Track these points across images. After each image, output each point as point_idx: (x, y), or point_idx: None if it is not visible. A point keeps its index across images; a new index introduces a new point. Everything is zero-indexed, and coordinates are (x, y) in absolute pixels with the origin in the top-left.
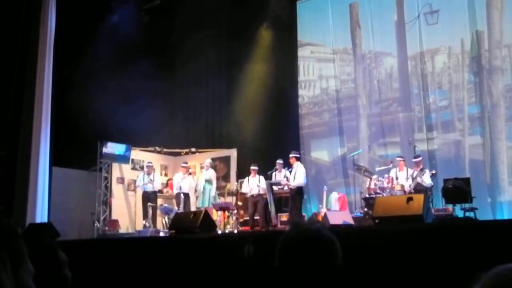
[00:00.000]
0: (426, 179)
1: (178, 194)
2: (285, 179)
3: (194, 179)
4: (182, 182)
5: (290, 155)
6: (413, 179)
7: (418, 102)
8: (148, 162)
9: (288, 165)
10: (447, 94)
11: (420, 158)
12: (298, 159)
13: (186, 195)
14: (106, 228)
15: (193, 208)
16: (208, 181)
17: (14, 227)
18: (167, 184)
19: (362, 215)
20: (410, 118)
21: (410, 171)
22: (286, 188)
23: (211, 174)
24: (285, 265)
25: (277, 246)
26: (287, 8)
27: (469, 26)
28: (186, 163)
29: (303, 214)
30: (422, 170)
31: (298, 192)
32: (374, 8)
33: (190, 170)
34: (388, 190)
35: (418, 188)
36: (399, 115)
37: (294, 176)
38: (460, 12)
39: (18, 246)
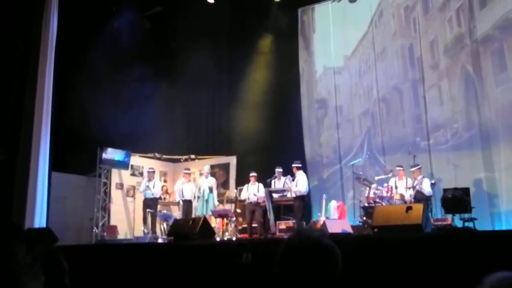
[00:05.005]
0: (426, 187)
1: (180, 201)
2: (288, 184)
3: (196, 185)
4: (184, 189)
5: (293, 165)
6: (413, 188)
7: (418, 111)
8: (149, 168)
9: (290, 174)
10: (447, 103)
11: (418, 167)
12: (299, 168)
13: (188, 202)
14: (105, 234)
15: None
16: (211, 189)
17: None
18: (162, 189)
19: (361, 223)
20: (410, 128)
21: (410, 180)
22: (289, 195)
23: (213, 182)
24: (285, 272)
25: (278, 253)
26: (289, 15)
27: (470, 37)
28: (189, 169)
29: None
30: (422, 178)
31: (300, 200)
32: (375, 16)
33: (192, 176)
34: (387, 199)
35: (418, 197)
36: (399, 124)
37: (296, 184)
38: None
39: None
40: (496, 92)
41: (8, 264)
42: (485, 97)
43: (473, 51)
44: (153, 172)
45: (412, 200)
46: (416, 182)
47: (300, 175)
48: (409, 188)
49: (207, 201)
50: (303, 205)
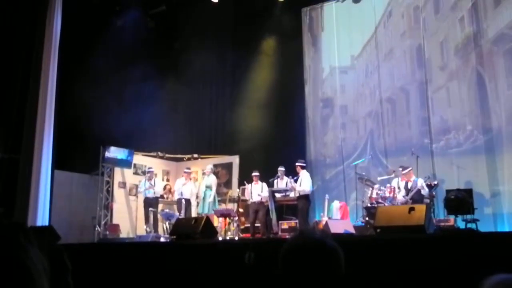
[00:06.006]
0: (425, 187)
1: (179, 200)
2: (291, 184)
3: (195, 185)
4: (184, 188)
5: (296, 164)
6: (408, 190)
7: (422, 113)
8: (149, 168)
9: (293, 174)
10: (455, 105)
11: (409, 169)
12: (303, 167)
13: (188, 201)
14: (107, 233)
15: (194, 214)
16: (209, 187)
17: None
18: (165, 188)
19: (363, 224)
20: (413, 129)
21: (409, 182)
22: (291, 195)
23: (212, 180)
24: (288, 272)
25: (281, 254)
26: (293, 14)
27: (482, 36)
28: (189, 168)
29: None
30: (416, 179)
31: (304, 199)
32: (383, 17)
33: (192, 176)
34: (389, 200)
35: (416, 198)
36: (402, 126)
37: (300, 183)
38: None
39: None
40: (508, 94)
41: (27, 267)
42: (496, 99)
43: (485, 52)
44: (152, 171)
45: (410, 201)
46: (410, 184)
47: (304, 174)
48: (406, 189)
49: (203, 198)
50: (307, 205)
